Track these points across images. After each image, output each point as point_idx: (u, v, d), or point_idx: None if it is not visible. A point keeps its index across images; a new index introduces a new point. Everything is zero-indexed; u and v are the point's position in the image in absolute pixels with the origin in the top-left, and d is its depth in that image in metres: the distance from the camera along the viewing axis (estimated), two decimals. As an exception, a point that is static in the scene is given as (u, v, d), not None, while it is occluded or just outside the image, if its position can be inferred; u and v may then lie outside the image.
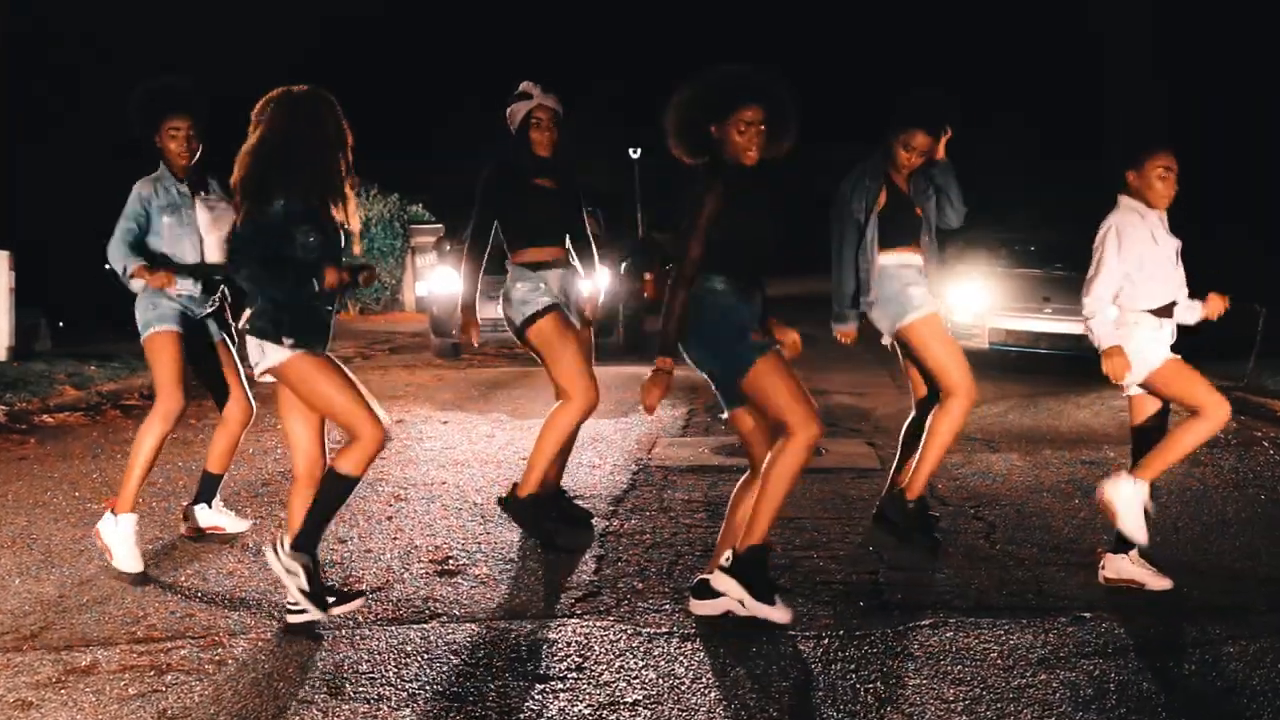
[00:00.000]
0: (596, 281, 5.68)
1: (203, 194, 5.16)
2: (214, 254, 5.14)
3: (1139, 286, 4.65)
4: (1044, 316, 11.59)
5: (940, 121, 5.18)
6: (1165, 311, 4.69)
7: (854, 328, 5.32)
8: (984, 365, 11.31)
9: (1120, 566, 4.73)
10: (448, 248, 14.02)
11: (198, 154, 5.15)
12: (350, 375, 4.21)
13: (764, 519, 4.18)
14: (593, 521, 5.69)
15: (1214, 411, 4.59)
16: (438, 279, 13.14)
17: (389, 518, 5.82)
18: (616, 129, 32.49)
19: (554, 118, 5.41)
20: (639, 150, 36.71)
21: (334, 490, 4.16)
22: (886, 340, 5.32)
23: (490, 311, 6.28)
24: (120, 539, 4.97)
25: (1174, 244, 4.75)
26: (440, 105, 28.02)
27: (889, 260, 5.18)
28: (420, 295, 18.81)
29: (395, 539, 5.46)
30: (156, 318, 5.10)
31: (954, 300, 10.75)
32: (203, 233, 5.13)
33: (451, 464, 7.13)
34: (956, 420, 5.13)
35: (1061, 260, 12.28)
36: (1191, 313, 4.79)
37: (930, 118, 5.17)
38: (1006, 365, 11.65)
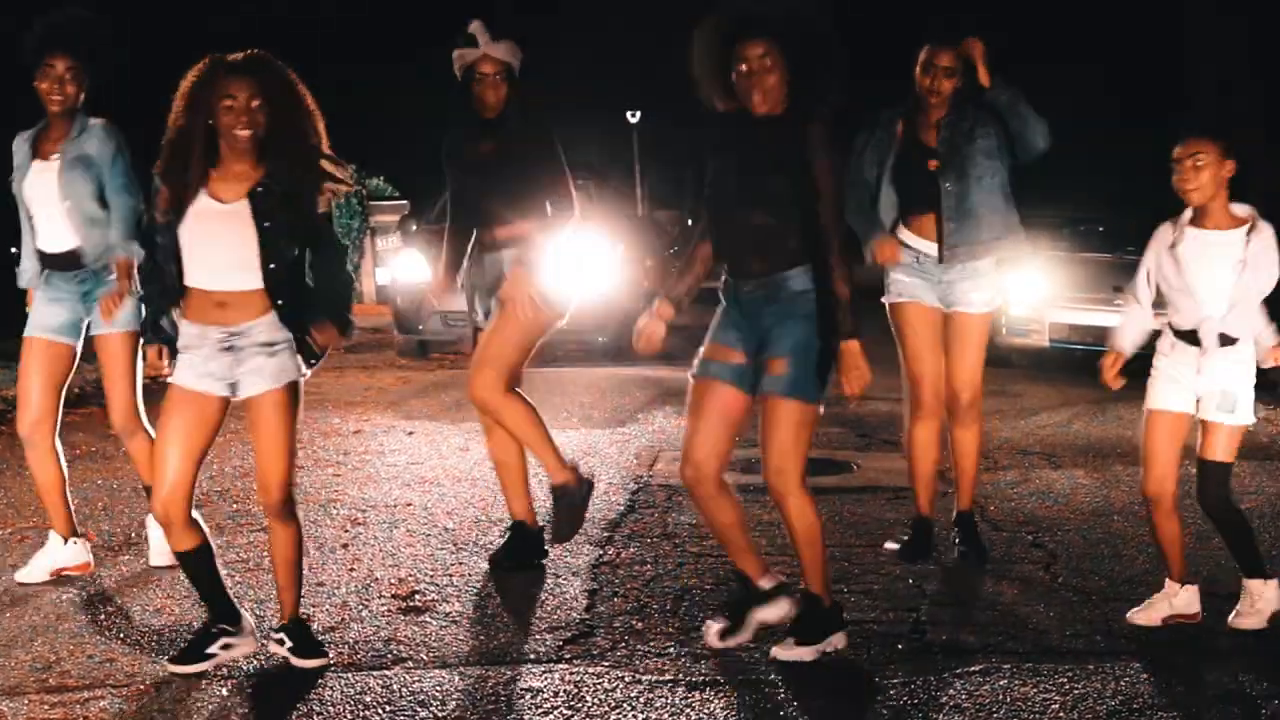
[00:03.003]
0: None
1: (57, 152, 5.06)
2: (53, 226, 5.07)
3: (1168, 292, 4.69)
4: (1115, 309, 11.54)
5: (954, 28, 5.26)
6: (1186, 337, 4.72)
7: (888, 241, 5.39)
8: (1044, 366, 11.37)
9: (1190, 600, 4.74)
10: (414, 228, 14.01)
11: (75, 100, 5.05)
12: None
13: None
14: (581, 550, 5.69)
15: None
16: (402, 265, 13.12)
17: (344, 545, 5.83)
18: (611, 87, 32.48)
19: (502, 72, 5.19)
20: (638, 113, 36.59)
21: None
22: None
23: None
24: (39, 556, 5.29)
25: (1224, 255, 4.65)
26: (401, 58, 27.98)
27: None
28: (382, 284, 18.75)
29: (352, 570, 5.47)
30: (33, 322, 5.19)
31: (1008, 290, 10.76)
32: (35, 205, 5.08)
33: (418, 482, 7.14)
34: (931, 444, 5.73)
35: (1135, 243, 12.26)
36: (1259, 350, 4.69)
37: (941, 27, 5.27)
38: (1070, 365, 11.63)
